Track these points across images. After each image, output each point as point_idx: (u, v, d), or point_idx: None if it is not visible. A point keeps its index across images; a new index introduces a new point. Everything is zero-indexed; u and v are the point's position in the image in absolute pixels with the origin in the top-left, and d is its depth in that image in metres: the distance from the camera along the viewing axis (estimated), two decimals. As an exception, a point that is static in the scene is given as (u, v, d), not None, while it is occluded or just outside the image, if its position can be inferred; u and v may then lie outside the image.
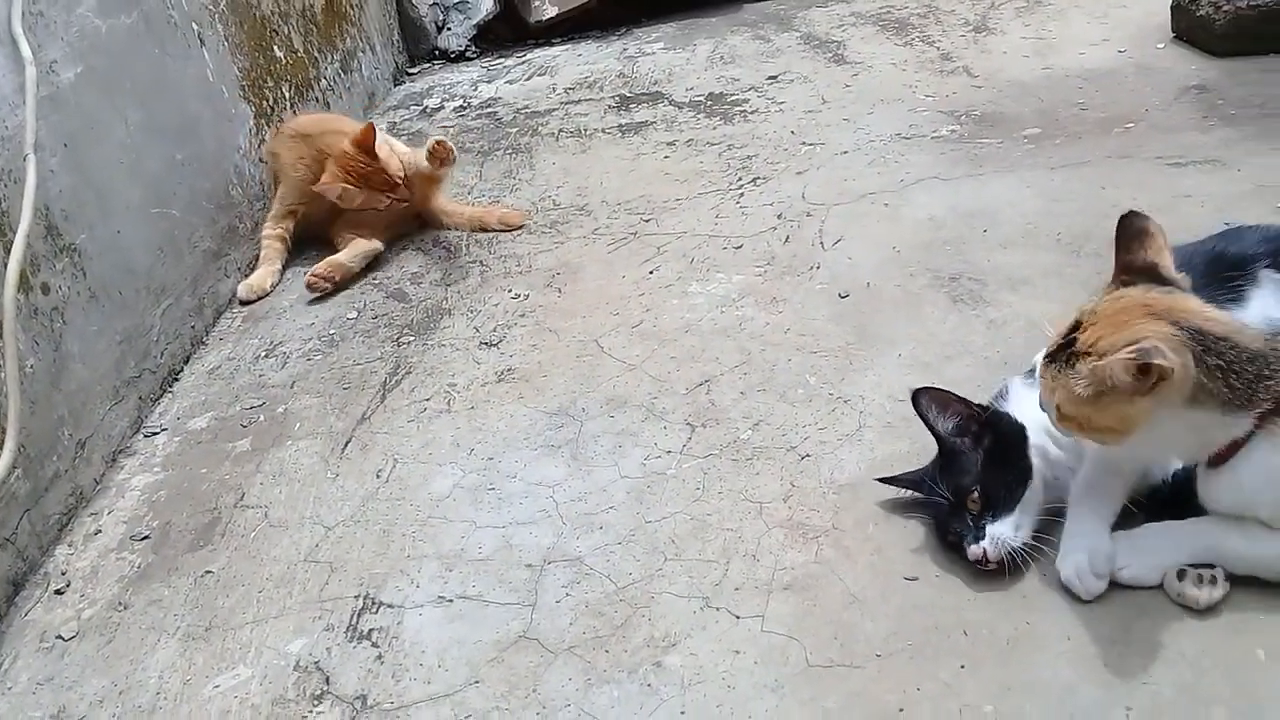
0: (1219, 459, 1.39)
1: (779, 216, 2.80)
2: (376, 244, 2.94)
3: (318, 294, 2.80)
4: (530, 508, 1.87)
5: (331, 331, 2.66)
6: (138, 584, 1.88)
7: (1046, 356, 1.45)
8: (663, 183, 3.17)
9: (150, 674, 1.67)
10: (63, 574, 1.95)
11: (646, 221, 2.94)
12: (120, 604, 1.84)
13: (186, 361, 2.63)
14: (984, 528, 1.53)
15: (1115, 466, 1.51)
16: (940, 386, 1.64)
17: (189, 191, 2.77)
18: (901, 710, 1.37)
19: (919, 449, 1.79)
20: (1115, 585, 1.47)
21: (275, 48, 3.49)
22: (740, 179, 3.09)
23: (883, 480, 1.68)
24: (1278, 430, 1.33)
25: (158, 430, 2.36)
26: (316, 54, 3.84)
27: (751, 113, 3.61)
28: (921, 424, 1.66)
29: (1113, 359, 1.29)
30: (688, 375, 2.18)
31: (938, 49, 3.87)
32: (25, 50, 2.13)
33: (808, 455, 1.87)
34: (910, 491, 1.66)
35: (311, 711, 1.54)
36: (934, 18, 4.23)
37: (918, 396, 1.62)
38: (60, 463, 2.07)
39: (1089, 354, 1.36)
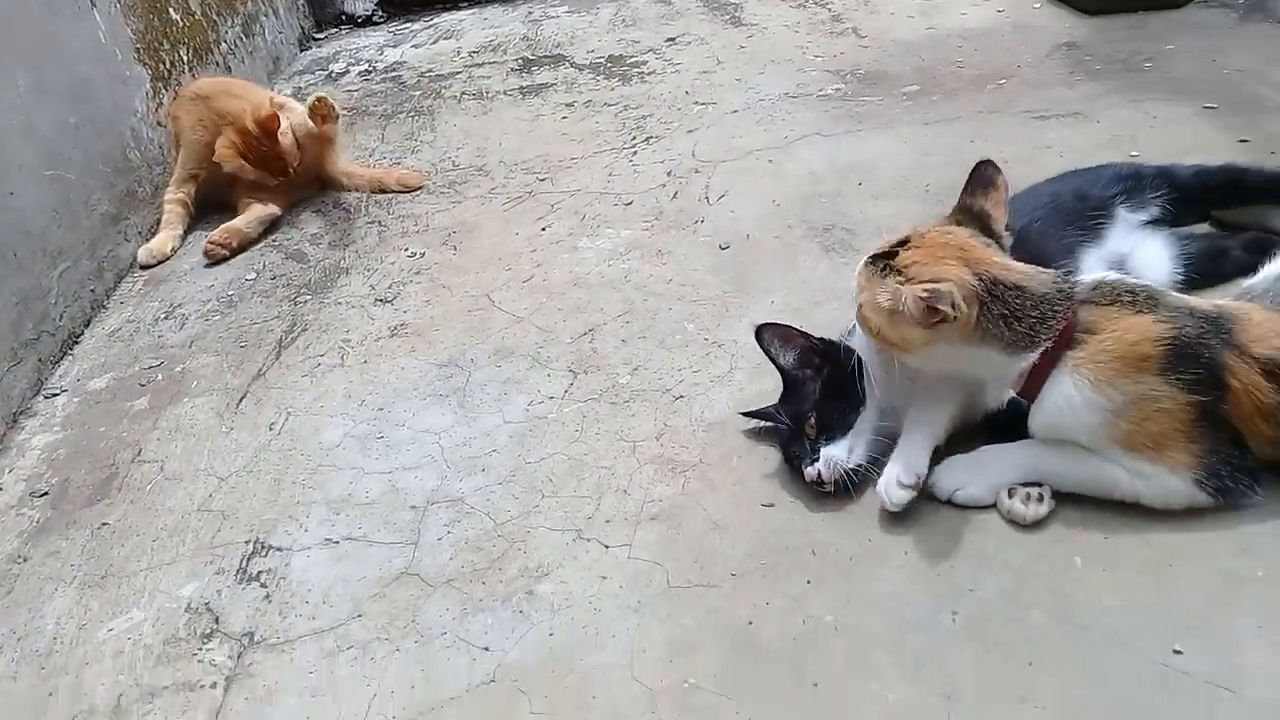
0: (1032, 390, 1.51)
1: (669, 174, 2.89)
2: (274, 209, 2.97)
3: (215, 260, 2.83)
4: (416, 453, 1.96)
5: (230, 293, 2.70)
6: (36, 538, 1.93)
7: (869, 258, 1.56)
8: (560, 143, 3.24)
9: (47, 621, 1.73)
10: (-40, 531, 1.98)
11: (542, 180, 3.01)
12: (19, 557, 1.89)
13: (87, 325, 2.66)
14: (819, 450, 1.64)
15: (942, 394, 1.64)
16: (783, 322, 1.74)
17: (84, 155, 2.78)
18: (751, 623, 1.48)
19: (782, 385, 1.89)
20: (954, 506, 1.59)
21: (170, 9, 3.49)
22: (634, 138, 3.17)
23: (745, 414, 1.79)
24: (1068, 361, 1.46)
25: (57, 391, 2.39)
26: (215, 17, 3.83)
27: (649, 74, 3.69)
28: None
29: (910, 290, 1.41)
30: (573, 325, 2.27)
31: (829, 10, 3.98)
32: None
33: (681, 396, 1.98)
34: (766, 422, 1.77)
35: (201, 649, 1.61)
36: (830, -22, 4.32)
37: (761, 332, 1.73)
38: (-45, 424, 2.10)
39: (900, 273, 1.48)
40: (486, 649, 1.52)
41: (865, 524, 1.61)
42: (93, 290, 2.71)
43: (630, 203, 2.76)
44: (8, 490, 2.08)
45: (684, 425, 1.89)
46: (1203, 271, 1.94)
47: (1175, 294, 1.52)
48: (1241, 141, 2.46)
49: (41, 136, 2.59)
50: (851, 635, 1.43)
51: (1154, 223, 1.98)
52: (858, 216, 2.46)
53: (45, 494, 2.05)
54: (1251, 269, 1.90)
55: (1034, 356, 1.48)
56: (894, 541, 1.57)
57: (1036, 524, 1.54)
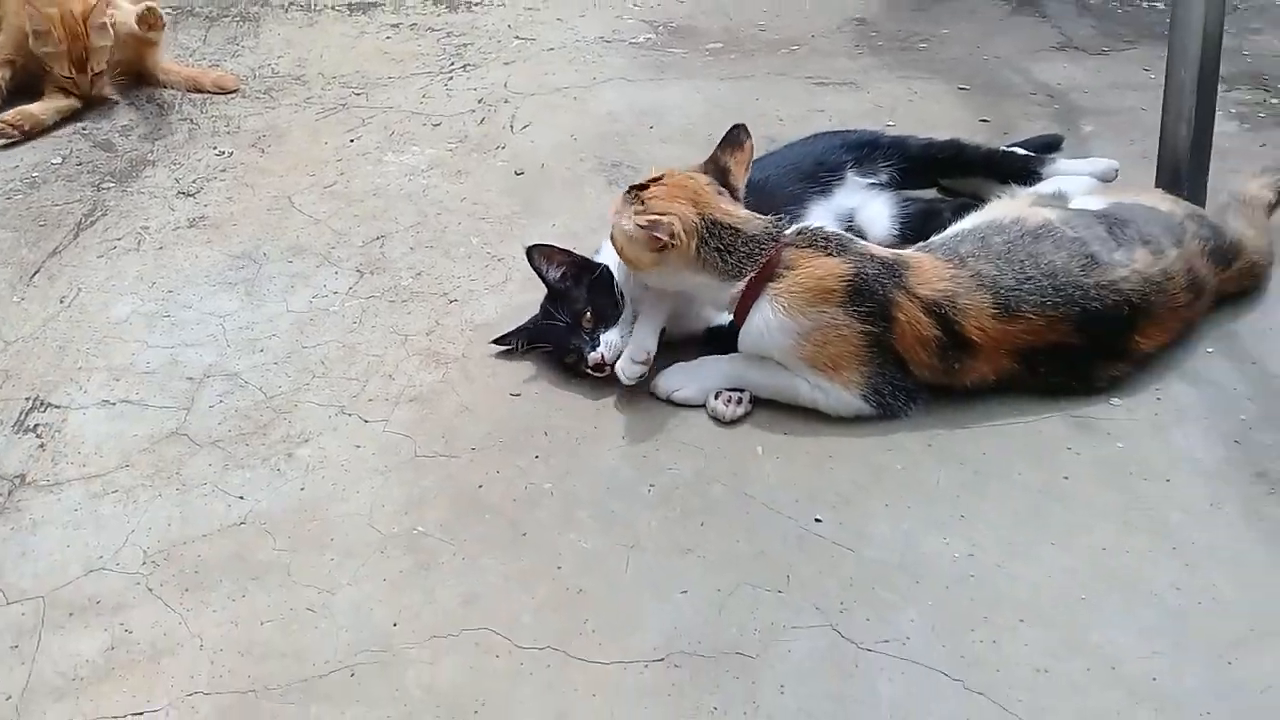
0: (739, 315, 1.79)
1: (479, 101, 3.06)
2: (74, 102, 3.01)
3: (5, 140, 2.86)
4: (200, 332, 2.10)
5: (35, 175, 2.75)
6: None
7: (628, 189, 1.82)
8: (380, 61, 3.36)
9: None
10: None
11: (358, 95, 3.13)
12: None
13: (-126, 194, 2.66)
14: (598, 338, 1.88)
15: (663, 296, 1.89)
16: (548, 243, 1.96)
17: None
18: (480, 487, 1.71)
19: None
20: (672, 403, 1.85)
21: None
22: (453, 64, 3.32)
23: (497, 340, 2.00)
24: (769, 292, 1.74)
25: None
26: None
27: (476, 5, 3.82)
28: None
29: (636, 219, 1.66)
30: (366, 231, 2.43)
31: (658, -37, 4.17)
32: None
33: (456, 300, 2.18)
34: (521, 345, 1.98)
35: (-33, 487, 1.74)
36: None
37: (531, 252, 1.95)
38: None
39: (643, 204, 1.73)
40: (241, 498, 1.71)
41: (593, 413, 1.86)
42: (-114, 159, 2.70)
43: (439, 124, 2.92)
44: None
45: (454, 325, 2.10)
46: (916, 230, 2.24)
47: (862, 242, 1.80)
48: (982, 121, 2.79)
49: None
50: (563, 499, 1.68)
51: (882, 186, 2.26)
52: (644, 156, 2.69)
53: None
54: (959, 227, 2.23)
55: (741, 285, 1.75)
56: (615, 428, 1.82)
57: (734, 422, 1.80)
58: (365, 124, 2.93)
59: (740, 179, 1.87)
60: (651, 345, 1.81)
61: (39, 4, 2.87)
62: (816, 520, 1.60)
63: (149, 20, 2.94)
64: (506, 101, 3.03)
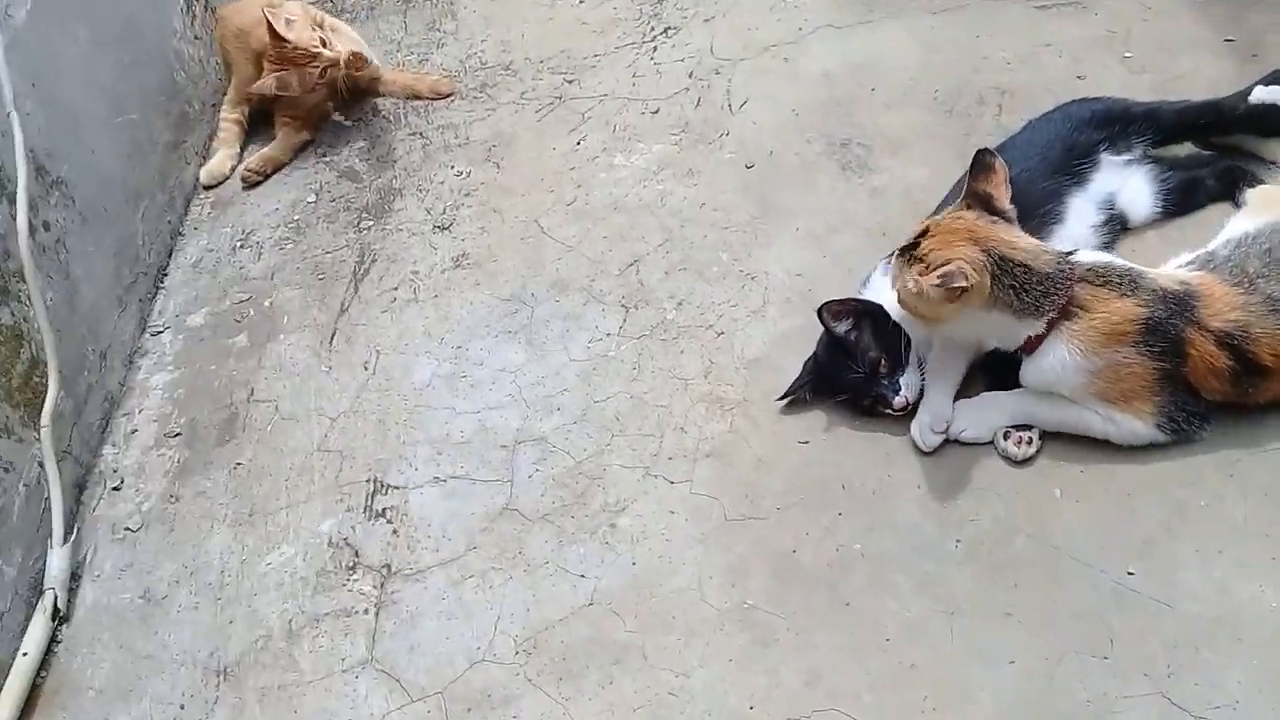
0: (1030, 349, 1.84)
1: (690, 75, 3.08)
2: (305, 135, 3.19)
3: (250, 185, 3.10)
4: (498, 393, 2.30)
5: (296, 217, 2.97)
6: (181, 478, 2.30)
7: (900, 251, 1.87)
8: (581, 34, 3.40)
9: (213, 556, 2.12)
10: (114, 472, 2.36)
11: (570, 83, 3.20)
12: (171, 496, 2.27)
13: (169, 256, 2.94)
14: (898, 382, 1.98)
15: (956, 347, 1.97)
16: (836, 298, 2.04)
17: (140, 91, 2.98)
18: (794, 551, 1.87)
19: (812, 322, 2.19)
20: (959, 443, 1.94)
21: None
22: (653, 28, 3.33)
23: (782, 398, 2.09)
24: (1064, 331, 1.78)
25: (161, 329, 2.71)
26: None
27: (665, -52, 3.76)
28: (810, 302, 2.10)
29: (926, 279, 1.72)
30: (619, 256, 2.55)
31: None
32: (-14, 7, 2.31)
33: (722, 333, 2.30)
34: (807, 396, 2.08)
35: (349, 579, 2.01)
36: None
37: (822, 312, 2.01)
38: (90, 375, 2.44)
39: (923, 260, 1.79)
40: (582, 576, 1.91)
41: (883, 459, 1.97)
42: (169, 221, 2.97)
43: (657, 110, 2.97)
44: (143, 431, 2.44)
45: (727, 363, 2.22)
46: (1179, 204, 2.22)
47: (1151, 275, 1.80)
48: (1227, 40, 2.65)
49: (105, 85, 2.79)
50: (875, 561, 1.82)
51: (1138, 160, 2.22)
52: (871, 129, 2.69)
53: (179, 434, 2.40)
54: (1223, 197, 2.20)
55: (1041, 324, 1.79)
56: (909, 475, 1.93)
57: (1025, 461, 1.89)
58: (585, 120, 3.01)
59: (1005, 199, 1.88)
60: (948, 411, 1.90)
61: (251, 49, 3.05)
62: (1129, 574, 1.69)
63: (355, 64, 3.07)
64: (717, 73, 3.04)
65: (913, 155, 2.57)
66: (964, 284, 1.74)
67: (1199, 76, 2.53)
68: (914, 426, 1.92)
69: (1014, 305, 1.78)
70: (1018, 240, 1.80)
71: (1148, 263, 2.05)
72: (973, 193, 1.87)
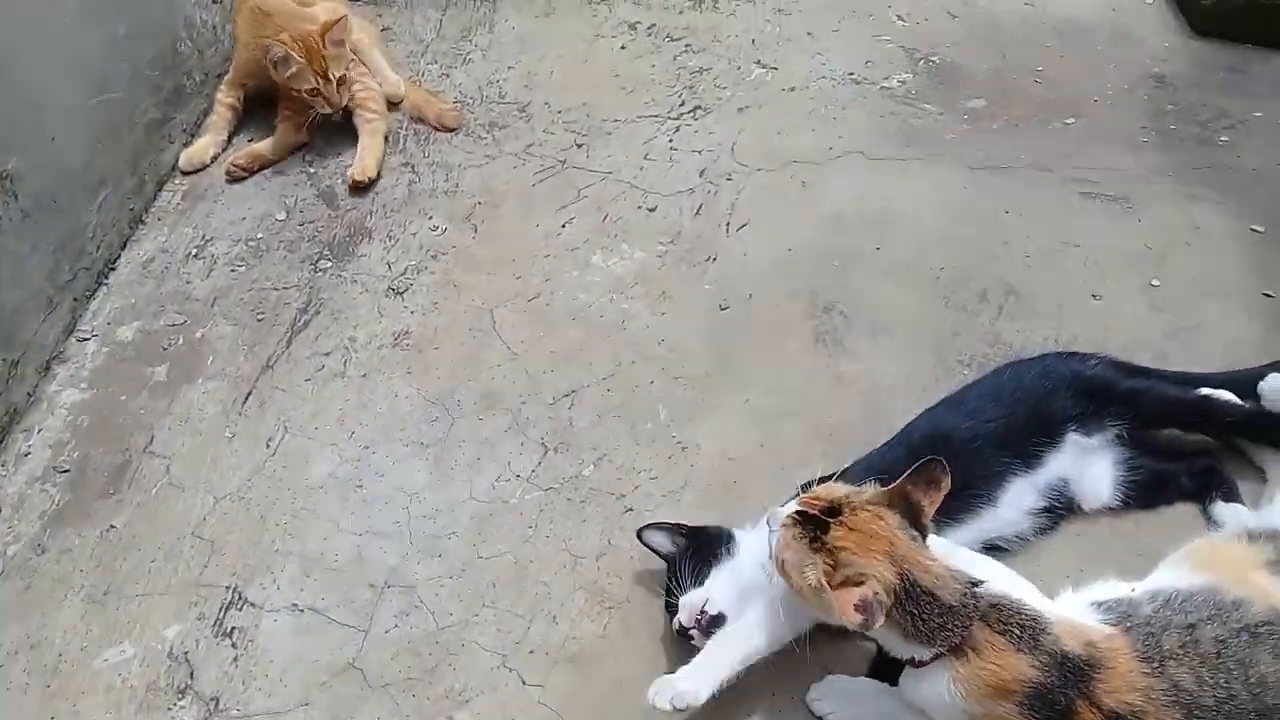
0: (914, 663, 1.70)
1: (701, 174, 2.90)
2: (300, 138, 3.05)
3: (233, 179, 2.99)
4: (387, 517, 2.18)
5: (259, 235, 2.84)
6: (55, 525, 2.22)
7: (797, 515, 1.69)
8: (609, 89, 3.21)
9: (57, 632, 2.05)
10: (-7, 498, 2.28)
11: (579, 146, 3.03)
12: (39, 546, 2.19)
13: (124, 246, 2.83)
14: (679, 599, 1.84)
15: (776, 624, 1.79)
16: (660, 521, 1.95)
17: (131, 67, 2.83)
18: (618, 811, 1.76)
19: (725, 520, 2.06)
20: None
21: None
22: (683, 103, 3.14)
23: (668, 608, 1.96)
24: (950, 666, 1.63)
25: (89, 335, 2.61)
26: None
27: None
28: (731, 498, 2.04)
29: (842, 602, 1.57)
30: (559, 381, 2.41)
31: (934, -60, 3.71)
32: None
33: (631, 509, 2.16)
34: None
35: (175, 704, 1.93)
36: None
37: (641, 533, 1.93)
38: (-6, 387, 2.34)
39: (833, 558, 1.63)
40: (401, 772, 1.81)
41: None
42: (132, 209, 2.85)
43: (654, 208, 2.80)
44: (35, 455, 2.35)
45: (625, 549, 2.09)
46: (1144, 499, 2.04)
47: (1055, 631, 1.64)
48: (1266, 295, 2.43)
49: (89, 64, 2.65)
50: None
51: (1107, 444, 2.04)
52: (860, 298, 2.51)
53: (67, 471, 2.32)
54: (1195, 499, 2.02)
55: (927, 654, 1.65)
56: (765, 748, 1.80)
57: (884, 769, 1.75)
58: (580, 198, 2.85)
59: (928, 518, 1.73)
60: (703, 694, 1.68)
61: (269, 33, 2.89)
62: None
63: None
64: (729, 179, 2.86)
65: (891, 345, 2.39)
66: (878, 622, 1.58)
67: (1221, 331, 2.35)
68: (661, 677, 1.71)
69: (906, 630, 1.64)
70: (931, 565, 1.65)
71: (1076, 564, 1.91)
72: (904, 495, 1.71)
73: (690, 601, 1.83)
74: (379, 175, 2.94)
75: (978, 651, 1.62)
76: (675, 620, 1.84)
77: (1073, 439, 1.99)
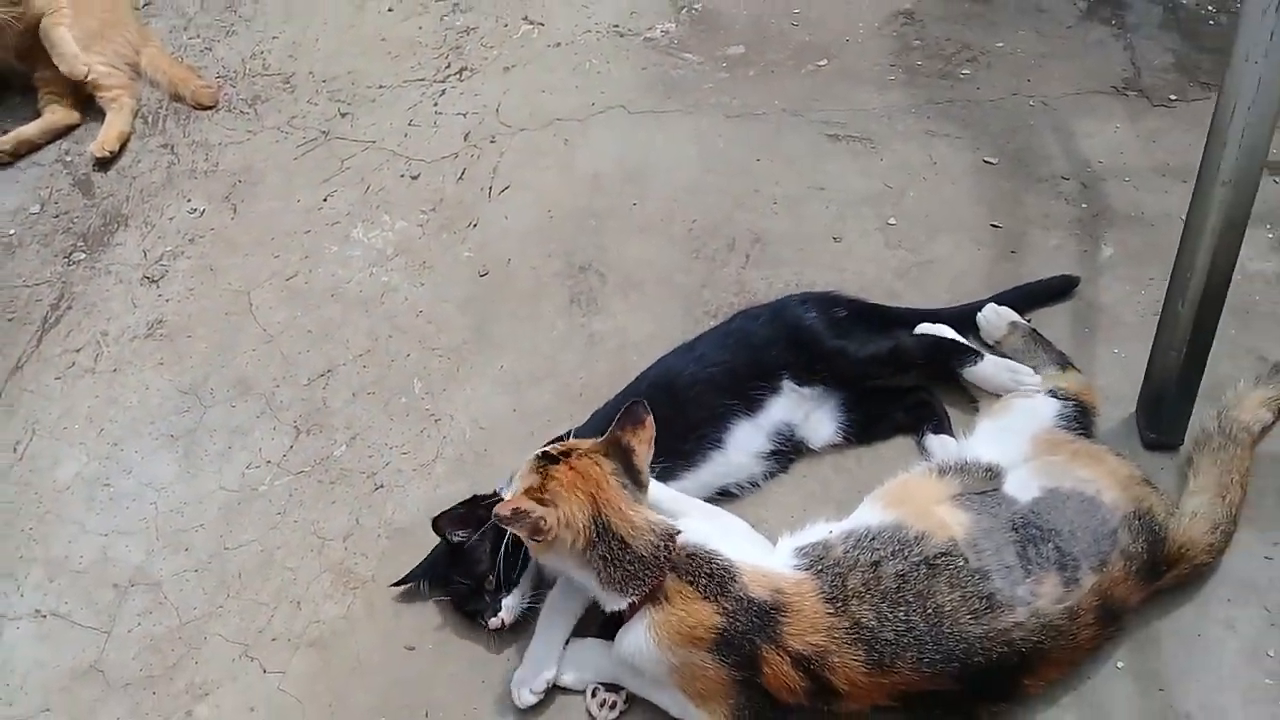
0: (622, 618, 1.77)
1: (465, 137, 2.89)
2: (74, 117, 2.96)
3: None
4: (134, 514, 2.18)
5: (11, 231, 2.77)
6: None
7: (540, 453, 1.79)
8: (375, 54, 3.18)
9: None
10: None
11: (344, 115, 2.99)
12: None
13: None
14: (500, 602, 1.90)
15: (571, 595, 1.89)
16: (450, 507, 1.95)
17: None
18: (353, 786, 1.81)
19: (475, 488, 2.10)
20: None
21: None
22: (449, 65, 3.12)
23: (398, 584, 2.00)
24: (647, 615, 1.71)
25: None
26: None
27: (497, -50, 3.49)
28: (481, 466, 2.08)
29: (509, 502, 1.68)
30: (314, 361, 2.41)
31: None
32: None
33: (381, 486, 2.19)
34: (424, 588, 2.00)
35: (-90, 727, 1.91)
36: None
37: (437, 523, 1.92)
38: None
39: (544, 481, 1.72)
40: (140, 769, 1.84)
41: (481, 688, 1.89)
42: None
43: (417, 176, 2.80)
44: None
45: (372, 527, 2.12)
46: (864, 435, 2.14)
47: (744, 579, 1.73)
48: (994, 226, 2.53)
49: None
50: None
51: (823, 393, 2.12)
52: (614, 256, 2.55)
53: None
54: (911, 430, 2.12)
55: (623, 603, 1.72)
56: (495, 713, 1.87)
57: (607, 723, 1.83)
58: (343, 170, 2.83)
59: (645, 460, 1.80)
60: (552, 669, 1.83)
61: None
62: None
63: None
64: (493, 141, 2.87)
65: (643, 301, 2.45)
66: (542, 538, 1.69)
67: (950, 265, 2.44)
68: (515, 675, 1.85)
69: (599, 574, 1.72)
70: (631, 515, 1.73)
71: (800, 504, 2.00)
72: (615, 441, 1.78)
73: (513, 605, 1.89)
74: (121, 150, 2.89)
75: (669, 600, 1.70)
76: (496, 620, 1.88)
77: (789, 386, 2.07)
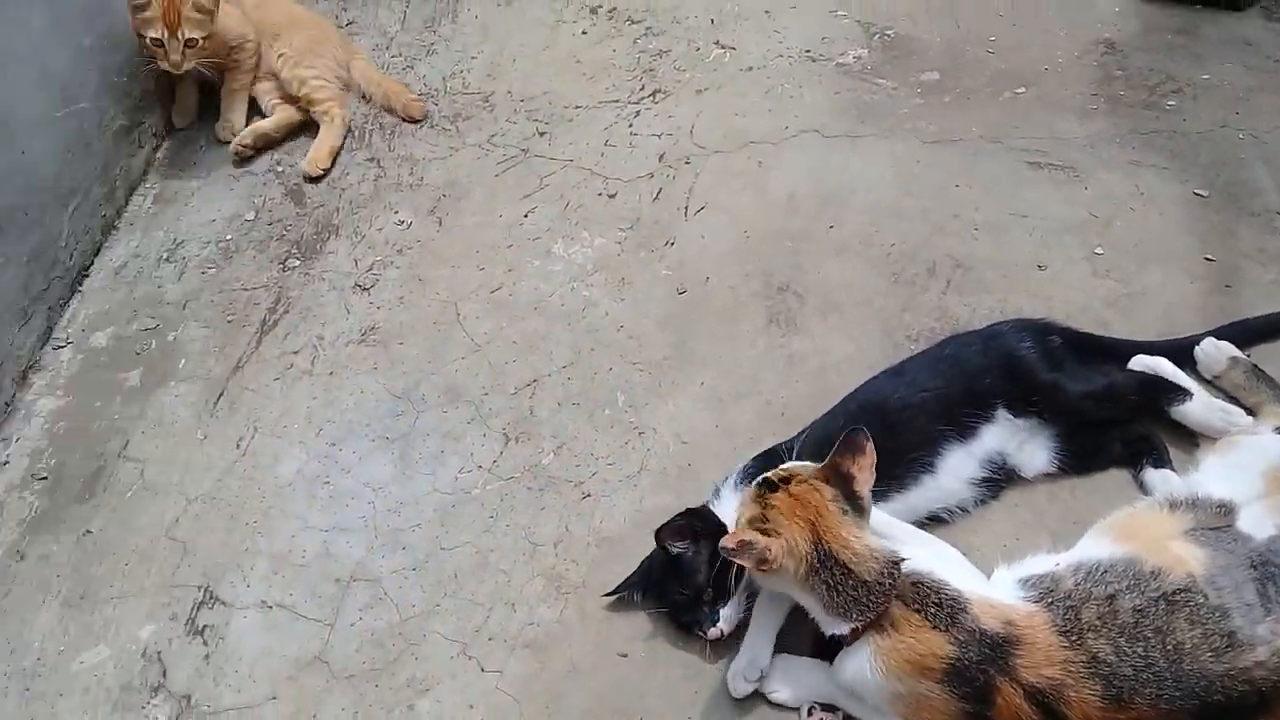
0: (844, 641, 1.76)
1: (660, 158, 2.93)
2: (293, 115, 3.15)
3: (242, 161, 3.08)
4: (354, 512, 2.25)
5: (229, 237, 2.90)
6: (33, 532, 2.29)
7: (759, 483, 1.80)
8: (571, 74, 3.24)
9: (34, 636, 2.12)
10: (-26, 508, 2.35)
11: (542, 135, 3.06)
12: (18, 552, 2.26)
13: (96, 254, 2.89)
14: (718, 612, 1.92)
15: (781, 597, 1.89)
16: (670, 519, 1.96)
17: (99, 75, 2.88)
18: (573, 789, 1.83)
19: (679, 504, 2.12)
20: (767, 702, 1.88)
21: None
22: (644, 86, 3.17)
23: (611, 594, 2.02)
24: (872, 643, 1.70)
25: (64, 343, 2.68)
26: None
27: (683, -26, 3.55)
28: (685, 480, 2.11)
29: (736, 533, 1.70)
30: (521, 371, 2.47)
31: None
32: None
33: (589, 495, 2.22)
34: (635, 597, 2.02)
35: (149, 703, 2.01)
36: None
37: (659, 534, 1.94)
38: (-28, 399, 2.41)
39: (765, 510, 1.74)
40: (366, 758, 1.89)
41: (694, 697, 1.90)
42: (104, 215, 2.91)
43: (615, 195, 2.84)
44: (14, 465, 2.43)
45: (582, 534, 2.15)
46: (1079, 466, 2.09)
47: (974, 609, 1.70)
48: (1207, 259, 2.46)
49: (56, 76, 2.69)
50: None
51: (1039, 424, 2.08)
52: (812, 278, 2.55)
53: (45, 478, 2.39)
54: (1128, 463, 2.07)
55: (845, 628, 1.72)
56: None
57: (823, 739, 1.82)
58: (543, 186, 2.89)
59: (865, 486, 1.79)
60: (765, 659, 1.85)
61: None
62: None
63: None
64: (688, 162, 2.90)
65: (842, 323, 2.44)
66: (767, 568, 1.70)
67: (1162, 296, 2.39)
68: (730, 669, 1.86)
69: (822, 600, 1.71)
70: (852, 540, 1.71)
71: (1012, 532, 1.97)
72: (835, 467, 1.78)
73: (730, 615, 1.91)
74: (331, 167, 3.00)
75: (896, 628, 1.69)
76: (715, 630, 1.90)
77: (1003, 415, 2.04)
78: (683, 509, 2.01)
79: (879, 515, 1.86)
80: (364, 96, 3.19)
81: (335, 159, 3.00)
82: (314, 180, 2.95)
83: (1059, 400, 2.01)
